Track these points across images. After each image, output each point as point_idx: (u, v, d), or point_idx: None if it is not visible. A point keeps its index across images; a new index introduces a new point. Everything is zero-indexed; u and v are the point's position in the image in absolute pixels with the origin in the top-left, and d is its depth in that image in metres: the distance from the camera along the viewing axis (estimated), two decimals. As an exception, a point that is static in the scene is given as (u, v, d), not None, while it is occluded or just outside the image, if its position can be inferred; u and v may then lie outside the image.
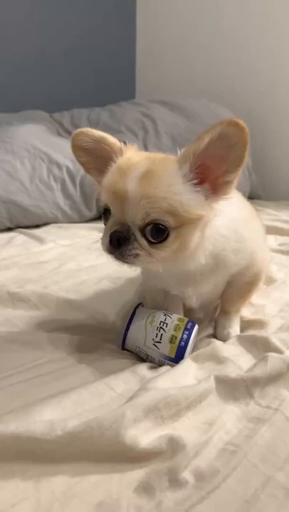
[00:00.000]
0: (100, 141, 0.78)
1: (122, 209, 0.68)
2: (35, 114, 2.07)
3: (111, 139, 0.78)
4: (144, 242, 0.68)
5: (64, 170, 1.72)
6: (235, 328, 0.92)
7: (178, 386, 0.70)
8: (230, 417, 0.66)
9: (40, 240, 1.52)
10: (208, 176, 0.68)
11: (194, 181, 0.68)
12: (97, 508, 0.51)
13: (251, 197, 2.18)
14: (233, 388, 0.71)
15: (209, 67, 2.43)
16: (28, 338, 0.87)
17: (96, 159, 0.79)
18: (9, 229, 1.64)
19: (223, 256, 0.79)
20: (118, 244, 0.68)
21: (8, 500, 0.52)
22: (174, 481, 0.54)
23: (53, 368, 0.78)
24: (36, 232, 1.60)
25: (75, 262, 1.31)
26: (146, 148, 1.99)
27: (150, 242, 0.68)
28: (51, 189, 1.69)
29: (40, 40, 2.28)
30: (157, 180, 0.66)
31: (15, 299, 1.03)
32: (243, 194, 2.08)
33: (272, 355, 0.78)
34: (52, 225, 1.69)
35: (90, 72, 2.48)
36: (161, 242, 0.68)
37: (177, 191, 0.67)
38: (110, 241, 0.69)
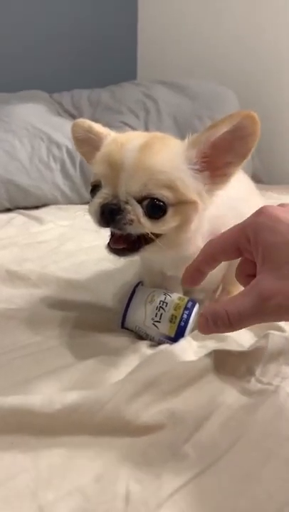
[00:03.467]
0: (88, 130, 0.76)
1: (116, 181, 0.64)
2: (34, 94, 2.04)
3: (98, 128, 0.76)
4: (140, 211, 0.64)
5: (64, 150, 1.69)
6: None
7: (178, 362, 0.69)
8: (231, 393, 0.65)
9: (39, 220, 1.50)
10: (211, 165, 0.66)
11: (197, 167, 0.66)
12: (97, 480, 0.51)
13: (254, 180, 2.16)
14: (233, 365, 0.70)
15: (212, 47, 2.38)
16: (26, 316, 0.86)
17: (92, 150, 0.75)
18: (8, 210, 1.62)
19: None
20: (111, 216, 0.64)
21: (7, 472, 0.51)
22: (175, 454, 0.54)
23: (51, 345, 0.78)
24: (35, 213, 1.58)
25: (75, 242, 1.30)
26: (147, 129, 1.96)
27: (148, 217, 0.65)
28: (51, 169, 1.66)
29: (40, 20, 2.24)
30: (157, 152, 0.64)
31: (14, 278, 1.02)
32: (245, 177, 2.09)
33: (273, 332, 0.77)
34: (51, 206, 1.68)
35: (91, 52, 2.44)
36: (158, 217, 0.65)
37: (179, 167, 0.65)
38: (102, 213, 0.64)
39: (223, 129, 0.63)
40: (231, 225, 0.75)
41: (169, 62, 2.53)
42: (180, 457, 0.54)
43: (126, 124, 1.95)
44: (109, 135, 0.74)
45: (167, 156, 0.65)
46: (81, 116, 2.03)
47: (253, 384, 0.68)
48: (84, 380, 0.67)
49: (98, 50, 2.45)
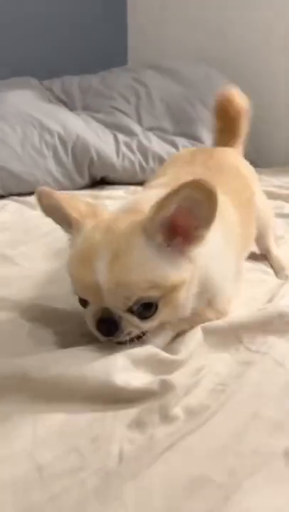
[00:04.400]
0: (55, 208, 0.69)
1: (99, 299, 0.63)
2: (25, 81, 2.03)
3: (69, 206, 0.69)
4: (133, 319, 0.64)
5: (56, 136, 1.70)
6: None
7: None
8: (219, 362, 0.68)
9: (33, 206, 1.51)
10: (180, 230, 0.64)
11: (168, 246, 0.64)
12: (93, 441, 0.53)
13: (245, 164, 2.17)
14: (222, 336, 0.73)
15: (202, 29, 2.37)
16: (20, 299, 0.87)
17: (63, 218, 0.70)
18: (1, 197, 1.63)
19: (211, 282, 0.73)
20: (108, 331, 0.64)
21: (5, 435, 0.54)
22: (165, 416, 0.57)
23: (44, 324, 0.79)
24: (29, 199, 1.59)
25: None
26: (138, 113, 1.97)
27: (141, 319, 0.64)
28: (43, 156, 1.67)
29: (30, 7, 2.22)
30: (130, 261, 0.61)
31: (7, 261, 1.04)
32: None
33: (266, 306, 0.80)
34: (44, 192, 1.68)
35: (81, 38, 2.42)
36: (150, 316, 0.65)
37: (155, 265, 0.63)
38: (100, 331, 0.65)
39: (174, 204, 0.61)
40: (216, 275, 0.73)
41: (160, 46, 2.52)
42: (170, 420, 0.56)
43: (117, 109, 1.95)
44: (76, 221, 0.68)
45: (138, 260, 0.62)
46: (72, 102, 2.03)
47: (242, 352, 0.71)
48: (78, 355, 0.68)
49: (88, 36, 2.44)
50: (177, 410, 0.57)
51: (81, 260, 0.65)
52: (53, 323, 0.80)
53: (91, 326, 0.66)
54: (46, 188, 0.71)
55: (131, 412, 0.58)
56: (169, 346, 0.70)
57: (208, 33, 2.35)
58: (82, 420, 0.56)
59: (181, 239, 0.65)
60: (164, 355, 0.66)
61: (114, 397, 0.59)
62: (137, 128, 1.90)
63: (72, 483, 0.47)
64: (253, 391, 0.61)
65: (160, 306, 0.64)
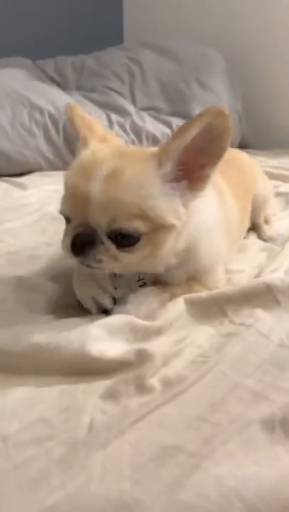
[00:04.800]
0: (72, 122, 0.71)
1: (85, 212, 0.60)
2: (17, 61, 1.99)
3: (78, 121, 0.69)
4: (111, 245, 0.61)
5: (46, 115, 1.66)
6: None
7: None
8: (202, 334, 0.65)
9: (23, 186, 1.48)
10: (187, 170, 0.62)
11: (174, 182, 0.62)
12: (62, 412, 0.51)
13: (243, 145, 2.13)
14: (205, 308, 0.70)
15: (200, 9, 2.31)
16: (2, 273, 0.85)
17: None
18: (-9, 177, 1.60)
19: (196, 252, 0.72)
20: (82, 247, 0.61)
21: (-29, 406, 0.51)
22: (141, 387, 0.54)
23: (26, 299, 0.77)
24: (19, 179, 1.56)
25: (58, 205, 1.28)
26: (132, 93, 1.93)
27: (119, 247, 0.61)
28: (33, 135, 1.63)
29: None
30: (126, 180, 0.59)
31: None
32: (234, 143, 2.06)
33: (255, 279, 0.77)
34: (35, 173, 1.65)
35: (77, 17, 2.37)
36: (130, 246, 0.61)
37: (151, 195, 0.60)
38: (73, 244, 0.61)
39: (194, 132, 0.59)
40: (205, 249, 0.72)
41: (156, 25, 2.46)
42: (146, 390, 0.54)
43: (111, 88, 1.91)
44: (84, 139, 0.68)
45: (138, 182, 0.59)
46: (66, 82, 1.99)
47: (226, 325, 0.68)
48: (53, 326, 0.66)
49: (84, 15, 2.38)
50: (154, 381, 0.55)
51: (80, 169, 0.63)
52: (34, 297, 0.77)
53: (65, 240, 0.62)
54: (75, 104, 0.73)
55: (105, 383, 0.55)
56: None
57: (205, 12, 2.30)
58: (54, 392, 0.54)
59: (187, 182, 0.63)
60: (139, 322, 0.63)
61: (89, 368, 0.57)
62: (130, 108, 1.86)
63: (38, 452, 0.45)
64: (235, 362, 0.59)
65: (142, 241, 0.61)
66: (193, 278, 0.76)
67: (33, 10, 2.23)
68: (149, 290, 0.72)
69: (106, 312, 0.70)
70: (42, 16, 2.26)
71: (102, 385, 0.55)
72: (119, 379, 0.56)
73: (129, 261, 0.63)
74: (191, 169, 0.62)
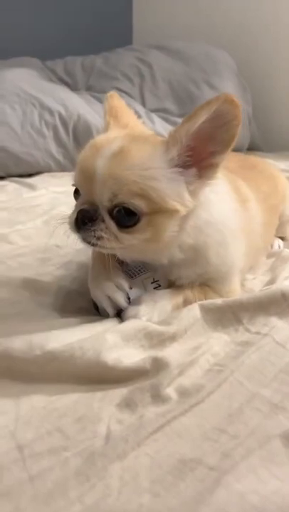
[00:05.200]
0: (106, 109, 0.73)
1: (90, 188, 0.62)
2: (27, 61, 1.99)
3: (107, 109, 0.72)
4: (111, 224, 0.62)
5: (56, 116, 1.66)
6: None
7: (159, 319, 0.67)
8: (217, 342, 0.64)
9: (32, 187, 1.48)
10: (196, 158, 0.62)
11: (180, 168, 0.62)
12: (78, 421, 0.50)
13: (251, 148, 2.12)
14: (220, 315, 0.69)
15: (210, 10, 2.30)
16: (12, 276, 0.85)
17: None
18: (1, 178, 1.60)
19: (204, 251, 0.71)
20: (83, 223, 0.62)
21: (-14, 414, 0.51)
22: (157, 396, 0.53)
23: (37, 302, 0.76)
24: (28, 180, 1.56)
25: (67, 206, 1.27)
26: (142, 94, 1.92)
27: (119, 226, 0.62)
28: (43, 136, 1.63)
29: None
30: (130, 160, 0.60)
31: (2, 240, 1.01)
32: (242, 146, 2.04)
33: (269, 286, 0.76)
34: (45, 174, 1.65)
35: (86, 18, 2.36)
36: (130, 226, 0.62)
37: (154, 176, 0.60)
38: (76, 219, 0.63)
39: (202, 117, 0.59)
40: (215, 251, 0.71)
41: (165, 27, 2.45)
42: (162, 400, 0.53)
43: (120, 90, 1.90)
44: (107, 123, 0.71)
45: (143, 163, 0.60)
46: (75, 83, 1.99)
47: (241, 333, 0.67)
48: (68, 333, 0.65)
49: (93, 15, 2.38)
50: (170, 390, 0.54)
51: (91, 146, 0.65)
52: (45, 299, 0.77)
53: (71, 215, 0.64)
54: (113, 93, 0.75)
55: (121, 392, 0.54)
56: (163, 319, 0.67)
57: (215, 14, 2.29)
58: (69, 400, 0.53)
59: (195, 170, 0.63)
60: (154, 327, 0.63)
61: (104, 377, 0.56)
62: (140, 109, 1.85)
63: (54, 463, 0.44)
64: (251, 372, 0.58)
65: (142, 222, 0.61)
66: (207, 285, 0.75)
67: (43, 11, 2.24)
68: (162, 293, 0.72)
69: (118, 315, 0.69)
70: (52, 17, 2.26)
71: (117, 393, 0.54)
72: (135, 388, 0.55)
73: (130, 242, 0.63)
74: (200, 156, 0.62)
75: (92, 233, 0.62)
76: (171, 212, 0.63)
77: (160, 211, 0.62)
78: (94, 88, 1.95)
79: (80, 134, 1.69)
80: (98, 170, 0.60)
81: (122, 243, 0.63)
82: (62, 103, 1.69)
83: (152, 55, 2.05)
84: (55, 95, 1.71)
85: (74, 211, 0.65)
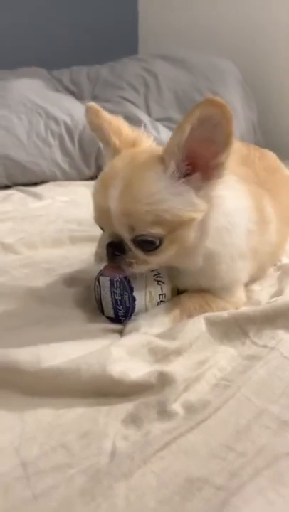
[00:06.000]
0: (97, 128, 0.72)
1: (110, 223, 0.65)
2: (33, 71, 2.00)
3: (107, 126, 0.71)
4: (138, 251, 0.65)
5: (62, 125, 1.66)
6: None
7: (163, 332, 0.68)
8: (224, 356, 0.64)
9: (38, 196, 1.48)
10: (198, 162, 0.63)
11: (183, 176, 0.63)
12: (83, 437, 0.50)
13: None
14: (226, 328, 0.69)
15: (215, 20, 2.31)
16: (17, 286, 0.84)
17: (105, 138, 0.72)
18: (7, 186, 1.60)
19: (215, 262, 0.72)
20: (114, 255, 0.66)
21: (-9, 429, 0.50)
22: (163, 412, 0.53)
23: (42, 314, 0.76)
24: (34, 189, 1.56)
25: (73, 216, 1.27)
26: (147, 104, 1.93)
27: (144, 251, 0.65)
28: (49, 145, 1.64)
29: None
30: (137, 192, 0.62)
31: (7, 250, 1.01)
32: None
33: (276, 298, 0.76)
34: (50, 183, 1.65)
35: (92, 28, 2.38)
36: (154, 249, 0.65)
37: (162, 198, 0.62)
38: (107, 253, 0.67)
39: (190, 126, 0.60)
40: (224, 259, 0.72)
41: (171, 36, 2.47)
42: (168, 416, 0.52)
43: (126, 99, 1.91)
44: (115, 147, 0.70)
45: (149, 190, 0.62)
46: (81, 92, 2.00)
47: (248, 346, 0.66)
48: (75, 347, 0.65)
49: (99, 26, 2.40)
50: (176, 406, 0.53)
51: (100, 185, 0.68)
52: (50, 310, 0.77)
53: (101, 249, 0.68)
54: (95, 105, 0.72)
55: (127, 407, 0.54)
56: (167, 333, 0.67)
57: (219, 23, 2.30)
58: (74, 415, 0.53)
59: (200, 174, 0.64)
60: (158, 342, 0.62)
61: (110, 391, 0.56)
62: (145, 118, 1.85)
63: (59, 481, 0.44)
64: (259, 387, 0.57)
65: (165, 243, 0.64)
66: (209, 292, 0.75)
67: (49, 21, 2.25)
68: (159, 307, 0.73)
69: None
70: (57, 26, 2.28)
71: (123, 408, 0.54)
72: (141, 403, 0.54)
73: (159, 261, 0.67)
74: (202, 160, 0.63)
75: (124, 262, 0.66)
76: (188, 222, 0.65)
77: (178, 227, 0.64)
78: (99, 97, 1.95)
79: (86, 143, 1.70)
80: (112, 208, 0.63)
81: (152, 264, 0.68)
82: (68, 113, 1.70)
83: (157, 64, 2.06)
84: (61, 105, 1.72)
85: (101, 245, 0.68)
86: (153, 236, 0.63)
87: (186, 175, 0.64)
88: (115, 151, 0.70)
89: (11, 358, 0.56)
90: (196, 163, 0.63)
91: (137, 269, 0.67)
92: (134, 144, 0.70)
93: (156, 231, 0.63)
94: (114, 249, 0.66)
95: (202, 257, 0.71)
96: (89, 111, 0.72)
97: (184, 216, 0.63)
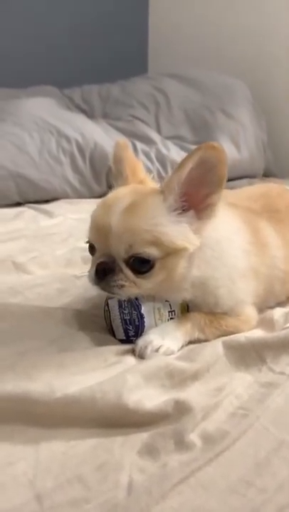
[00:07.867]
0: (117, 162, 0.79)
1: (106, 243, 0.68)
2: (44, 89, 2.03)
3: (126, 162, 0.77)
4: (129, 272, 0.67)
5: (73, 144, 1.68)
6: None
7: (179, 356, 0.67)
8: (241, 383, 0.63)
9: (49, 214, 1.49)
10: (193, 201, 0.68)
11: (179, 211, 0.68)
12: (99, 469, 0.48)
13: (266, 175, 2.12)
14: (243, 353, 0.68)
15: (225, 39, 2.34)
16: (30, 307, 0.84)
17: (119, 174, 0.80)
18: (18, 204, 1.61)
19: (212, 287, 0.73)
20: (104, 274, 0.68)
21: (5, 459, 0.49)
22: (180, 443, 0.51)
23: (52, 336, 0.75)
24: (45, 206, 1.57)
25: (84, 234, 1.28)
26: (158, 122, 1.94)
27: (136, 273, 0.67)
28: (60, 163, 1.65)
29: (50, 16, 2.23)
30: (140, 212, 0.67)
31: (19, 269, 1.01)
32: (258, 171, 2.05)
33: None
34: (62, 200, 1.66)
35: (102, 47, 2.42)
36: (146, 272, 0.67)
37: (161, 222, 0.67)
38: (96, 272, 0.68)
39: (190, 165, 0.66)
40: (219, 281, 0.73)
41: (181, 55, 2.50)
42: (186, 447, 0.51)
43: (136, 117, 1.93)
44: (126, 177, 0.77)
45: (150, 213, 0.67)
46: (92, 111, 2.02)
47: (265, 373, 0.65)
48: (86, 372, 0.64)
49: (109, 45, 2.44)
50: (194, 436, 0.52)
51: (103, 204, 0.72)
52: (62, 331, 0.76)
53: (90, 269, 0.70)
54: (124, 141, 0.81)
55: (142, 437, 0.53)
56: (185, 354, 0.66)
57: (230, 43, 2.32)
58: (89, 445, 0.51)
59: (194, 212, 0.69)
60: (175, 365, 0.62)
61: (125, 420, 0.55)
62: (155, 136, 1.87)
63: (75, 516, 0.43)
64: (277, 417, 0.56)
65: (157, 266, 0.67)
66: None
67: (61, 40, 2.29)
68: (169, 323, 0.73)
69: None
70: (69, 46, 2.32)
71: (138, 438, 0.53)
72: (157, 433, 0.53)
73: (147, 286, 0.69)
74: (195, 200, 0.68)
75: (114, 283, 0.67)
76: (180, 252, 0.68)
77: (171, 253, 0.67)
78: (110, 115, 1.97)
79: (97, 161, 1.71)
80: (113, 225, 0.66)
81: (141, 288, 0.69)
82: (79, 131, 1.72)
83: (167, 83, 2.08)
84: (72, 123, 1.74)
85: (92, 265, 0.70)
86: (148, 256, 0.66)
87: (183, 210, 0.69)
88: (124, 183, 0.76)
89: (23, 388, 0.55)
90: (191, 201, 0.68)
91: (127, 291, 0.68)
92: (141, 182, 0.77)
93: (152, 252, 0.66)
94: (106, 270, 0.67)
95: (191, 289, 0.73)
96: (118, 145, 0.79)
97: (177, 243, 0.67)
